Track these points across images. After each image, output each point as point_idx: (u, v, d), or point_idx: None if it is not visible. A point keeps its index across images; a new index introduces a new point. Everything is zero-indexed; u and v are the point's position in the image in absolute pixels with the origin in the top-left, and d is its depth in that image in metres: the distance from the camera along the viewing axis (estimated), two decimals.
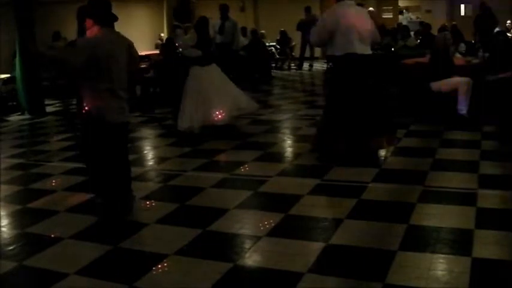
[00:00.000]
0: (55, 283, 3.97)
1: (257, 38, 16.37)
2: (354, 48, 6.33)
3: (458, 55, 10.26)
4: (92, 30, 5.15)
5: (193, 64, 8.49)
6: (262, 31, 18.43)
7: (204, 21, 8.70)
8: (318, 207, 5.20)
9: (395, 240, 4.31)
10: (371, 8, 11.85)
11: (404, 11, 21.51)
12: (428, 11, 20.98)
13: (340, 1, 6.48)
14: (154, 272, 4.06)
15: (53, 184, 6.51)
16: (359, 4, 7.11)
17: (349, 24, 6.30)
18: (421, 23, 16.76)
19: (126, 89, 5.24)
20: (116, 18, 5.21)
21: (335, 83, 6.59)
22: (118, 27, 5.34)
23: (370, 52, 6.57)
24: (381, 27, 7.26)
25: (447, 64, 8.47)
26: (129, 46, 5.31)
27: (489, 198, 5.17)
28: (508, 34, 13.07)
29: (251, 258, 4.26)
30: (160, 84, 11.94)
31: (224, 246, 4.48)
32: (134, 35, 7.37)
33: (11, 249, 4.65)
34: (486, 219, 4.67)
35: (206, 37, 8.62)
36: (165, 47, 12.45)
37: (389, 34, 13.95)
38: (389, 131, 6.67)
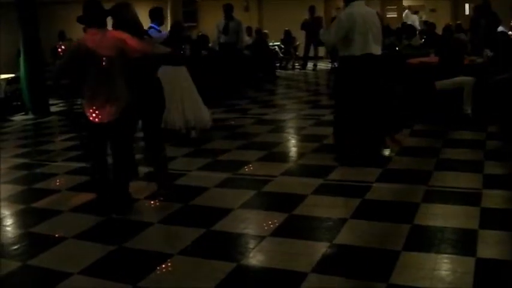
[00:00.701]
0: (59, 283, 3.97)
1: (262, 38, 16.38)
2: (371, 49, 6.41)
3: None
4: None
5: (164, 63, 8.07)
6: (265, 31, 18.43)
7: (177, 24, 8.41)
8: (322, 207, 5.19)
9: (399, 240, 4.30)
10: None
11: (419, 11, 21.39)
12: (433, 10, 20.94)
13: (353, 1, 6.50)
14: (158, 272, 4.06)
15: (57, 184, 6.52)
16: None
17: (366, 24, 6.37)
18: (426, 23, 16.72)
19: (110, 88, 5.15)
20: (98, 18, 5.25)
21: (353, 82, 6.54)
22: None
23: (380, 52, 6.62)
24: (386, 28, 7.35)
25: (458, 65, 8.53)
26: (120, 42, 5.17)
27: (493, 198, 5.15)
28: (510, 32, 13.04)
29: (255, 258, 4.26)
30: None
31: (228, 246, 4.48)
32: None
33: (15, 249, 4.66)
34: (490, 219, 4.65)
35: (179, 39, 8.21)
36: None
37: (393, 34, 13.93)
38: (396, 130, 6.78)
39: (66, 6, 17.23)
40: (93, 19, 5.23)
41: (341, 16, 6.53)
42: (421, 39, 13.68)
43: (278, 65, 18.24)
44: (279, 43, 18.91)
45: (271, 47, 17.56)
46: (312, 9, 17.16)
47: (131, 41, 5.17)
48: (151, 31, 8.78)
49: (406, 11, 21.19)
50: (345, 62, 6.61)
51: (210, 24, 16.93)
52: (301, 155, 7.22)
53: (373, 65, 6.46)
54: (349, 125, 6.55)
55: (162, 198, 5.68)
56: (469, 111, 8.27)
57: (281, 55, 18.85)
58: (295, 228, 4.75)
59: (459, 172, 6.01)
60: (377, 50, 6.50)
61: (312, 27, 15.51)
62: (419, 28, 16.97)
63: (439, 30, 13.80)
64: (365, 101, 6.47)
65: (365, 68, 6.41)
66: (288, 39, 18.82)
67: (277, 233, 4.65)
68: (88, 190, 5.93)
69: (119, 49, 5.11)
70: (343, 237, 4.48)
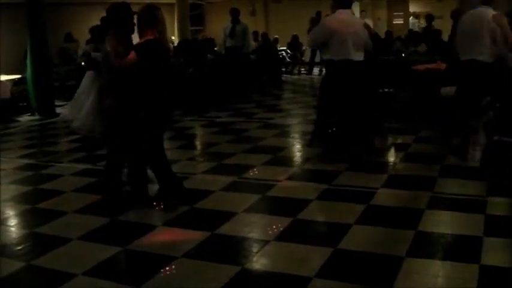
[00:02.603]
0: (62, 283, 3.98)
1: (268, 42, 16.38)
2: (350, 55, 6.70)
3: None
4: None
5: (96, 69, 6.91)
6: (276, 36, 18.43)
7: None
8: (327, 212, 5.19)
9: (403, 247, 4.29)
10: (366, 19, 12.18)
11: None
12: (440, 17, 20.90)
13: (341, 9, 6.80)
14: (161, 275, 4.07)
15: (62, 185, 6.53)
16: (362, 11, 7.45)
17: (344, 31, 6.65)
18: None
19: None
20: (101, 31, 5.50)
21: (329, 85, 6.88)
22: None
23: (362, 58, 6.84)
24: (375, 36, 7.54)
25: None
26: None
27: (498, 205, 5.14)
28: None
29: (259, 262, 4.26)
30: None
31: (232, 250, 4.49)
32: None
33: (19, 249, 4.68)
34: (495, 226, 4.64)
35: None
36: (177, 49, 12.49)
37: (399, 40, 13.95)
38: (377, 134, 7.32)
39: (73, 7, 17.32)
40: (123, 23, 5.32)
41: (323, 20, 6.81)
42: (427, 46, 13.67)
43: (284, 69, 18.24)
44: (285, 48, 18.91)
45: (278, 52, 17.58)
46: (318, 15, 17.14)
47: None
48: None
49: (411, 17, 21.18)
50: (326, 65, 7.11)
51: (217, 27, 16.99)
52: (306, 159, 7.22)
53: (350, 70, 6.71)
54: (330, 124, 6.85)
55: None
56: None
57: (288, 60, 18.85)
58: (299, 232, 4.75)
59: (464, 179, 6.00)
60: (358, 56, 6.77)
61: None
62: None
63: (445, 37, 13.76)
64: (345, 103, 6.72)
65: (342, 72, 6.71)
66: (295, 44, 18.82)
67: (282, 237, 4.65)
68: (93, 191, 5.97)
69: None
70: (347, 242, 4.47)
